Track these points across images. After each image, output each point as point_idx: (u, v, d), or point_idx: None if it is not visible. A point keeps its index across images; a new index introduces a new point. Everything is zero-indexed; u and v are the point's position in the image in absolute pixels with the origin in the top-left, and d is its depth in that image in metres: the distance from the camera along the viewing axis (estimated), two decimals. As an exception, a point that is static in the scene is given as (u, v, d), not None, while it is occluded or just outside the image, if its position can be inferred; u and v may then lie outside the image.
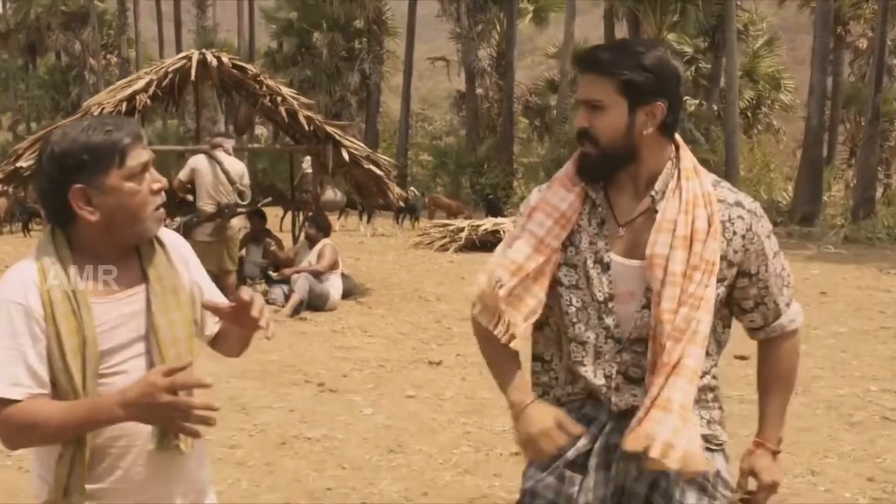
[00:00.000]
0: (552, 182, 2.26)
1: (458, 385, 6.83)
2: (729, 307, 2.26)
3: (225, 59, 10.72)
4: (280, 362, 7.38)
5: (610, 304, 2.16)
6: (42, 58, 53.06)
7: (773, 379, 2.32)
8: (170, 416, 1.87)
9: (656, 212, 2.14)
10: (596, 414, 2.22)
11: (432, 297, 10.98)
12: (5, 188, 11.51)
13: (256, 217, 11.14)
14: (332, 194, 18.11)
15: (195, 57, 10.62)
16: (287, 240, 12.39)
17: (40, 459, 2.08)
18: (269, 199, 11.63)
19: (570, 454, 2.20)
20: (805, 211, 21.44)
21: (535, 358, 2.36)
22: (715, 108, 26.81)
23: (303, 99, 11.47)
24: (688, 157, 2.19)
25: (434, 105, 56.29)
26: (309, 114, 10.86)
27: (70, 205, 1.97)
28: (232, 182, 9.63)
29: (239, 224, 10.05)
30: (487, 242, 16.01)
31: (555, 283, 2.21)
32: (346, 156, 10.67)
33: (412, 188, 26.38)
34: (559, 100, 30.70)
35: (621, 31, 29.98)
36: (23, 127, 50.74)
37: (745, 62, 28.58)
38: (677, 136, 2.22)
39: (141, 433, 2.01)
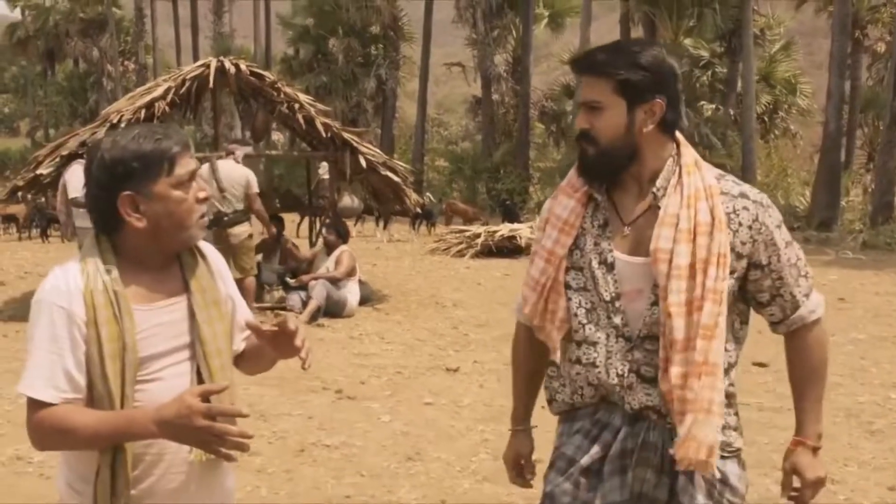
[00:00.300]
0: (557, 192, 2.31)
1: (476, 392, 6.84)
2: (746, 302, 2.26)
3: (243, 66, 10.76)
4: (298, 369, 7.27)
5: (617, 303, 2.19)
6: (60, 64, 53.51)
7: (802, 372, 2.31)
8: (205, 439, 1.88)
9: (659, 208, 2.16)
10: (609, 419, 2.24)
11: (449, 303, 11.00)
12: (25, 195, 11.58)
13: (274, 223, 11.13)
14: (349, 200, 18.15)
15: (213, 64, 10.67)
16: (304, 246, 12.41)
17: (70, 467, 2.09)
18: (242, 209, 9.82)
19: (584, 461, 2.24)
20: (823, 216, 21.29)
21: (550, 363, 2.38)
22: (732, 112, 26.67)
23: (320, 106, 11.50)
24: (689, 153, 2.21)
25: (450, 110, 56.25)
26: (326, 121, 10.90)
27: (118, 211, 2.00)
28: (222, 189, 9.47)
29: (246, 231, 9.71)
30: (504, 248, 16.06)
31: (565, 287, 2.25)
32: (363, 162, 10.72)
33: (428, 194, 26.40)
34: (575, 105, 30.59)
35: (637, 35, 29.88)
36: (41, 133, 51.19)
37: (761, 67, 28.40)
38: (678, 134, 2.23)
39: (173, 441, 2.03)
